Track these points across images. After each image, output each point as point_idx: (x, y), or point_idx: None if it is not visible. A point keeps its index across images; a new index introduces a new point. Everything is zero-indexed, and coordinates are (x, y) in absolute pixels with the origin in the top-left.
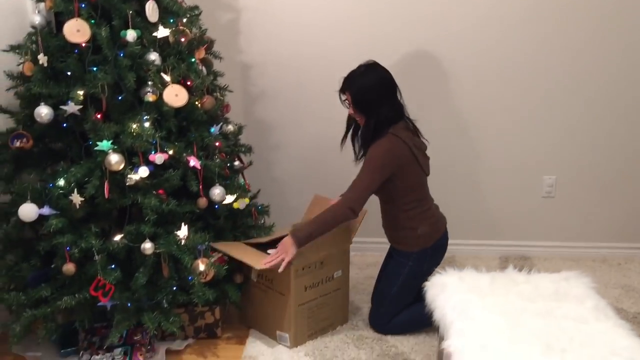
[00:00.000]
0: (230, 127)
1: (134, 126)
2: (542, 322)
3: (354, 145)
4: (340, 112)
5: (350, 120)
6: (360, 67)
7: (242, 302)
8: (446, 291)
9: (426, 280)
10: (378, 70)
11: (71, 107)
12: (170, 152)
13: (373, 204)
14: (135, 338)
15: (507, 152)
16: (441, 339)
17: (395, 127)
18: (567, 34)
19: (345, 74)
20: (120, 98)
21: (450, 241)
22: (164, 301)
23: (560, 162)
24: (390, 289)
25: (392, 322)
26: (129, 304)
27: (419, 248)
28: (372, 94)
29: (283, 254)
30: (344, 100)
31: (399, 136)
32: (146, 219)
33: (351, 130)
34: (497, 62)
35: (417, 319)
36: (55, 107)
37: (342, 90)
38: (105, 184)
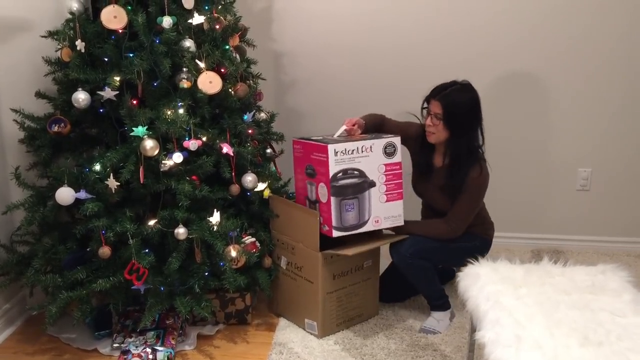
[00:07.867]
0: (263, 115)
1: (169, 112)
2: (579, 315)
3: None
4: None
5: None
6: (454, 83)
7: (271, 289)
8: (479, 282)
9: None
10: (473, 91)
11: (108, 93)
12: (204, 138)
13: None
14: (168, 322)
15: (541, 144)
16: (473, 330)
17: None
18: (601, 27)
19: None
20: (155, 84)
21: None
22: (196, 286)
23: (596, 154)
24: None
25: (415, 259)
26: (161, 288)
27: (485, 237)
28: (466, 113)
29: None
30: (428, 110)
31: (486, 160)
32: (179, 204)
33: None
34: (534, 55)
35: (432, 273)
36: (92, 92)
37: (432, 99)
38: (140, 169)
